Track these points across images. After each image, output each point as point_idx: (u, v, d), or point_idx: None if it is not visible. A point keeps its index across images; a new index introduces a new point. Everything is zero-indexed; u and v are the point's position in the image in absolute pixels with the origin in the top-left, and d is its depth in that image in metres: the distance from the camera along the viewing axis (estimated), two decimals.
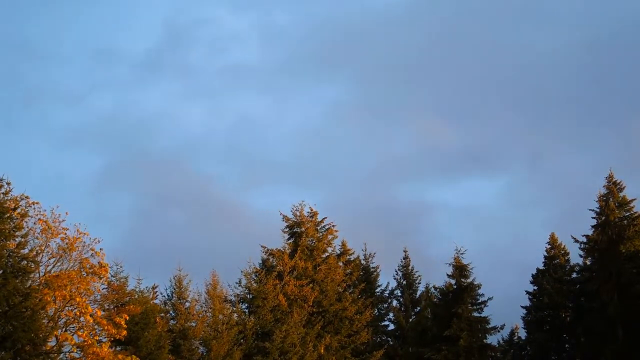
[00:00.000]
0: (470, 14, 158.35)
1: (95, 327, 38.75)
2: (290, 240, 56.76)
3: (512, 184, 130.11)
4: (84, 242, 40.59)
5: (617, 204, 57.31)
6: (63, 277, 38.75)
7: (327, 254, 56.87)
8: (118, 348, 40.83)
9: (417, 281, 63.36)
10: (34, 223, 39.57)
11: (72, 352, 38.39)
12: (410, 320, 60.58)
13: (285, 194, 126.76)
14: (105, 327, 38.52)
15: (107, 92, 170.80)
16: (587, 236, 58.21)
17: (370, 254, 64.46)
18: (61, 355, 38.32)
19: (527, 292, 64.01)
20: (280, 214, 57.08)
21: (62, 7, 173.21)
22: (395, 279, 63.78)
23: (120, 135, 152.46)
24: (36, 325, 35.40)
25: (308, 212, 57.31)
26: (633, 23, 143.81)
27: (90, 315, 38.67)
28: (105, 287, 43.77)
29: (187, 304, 50.07)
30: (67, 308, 39.18)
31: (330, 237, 57.34)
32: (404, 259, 64.27)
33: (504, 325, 55.16)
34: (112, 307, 43.06)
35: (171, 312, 50.06)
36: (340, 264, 57.69)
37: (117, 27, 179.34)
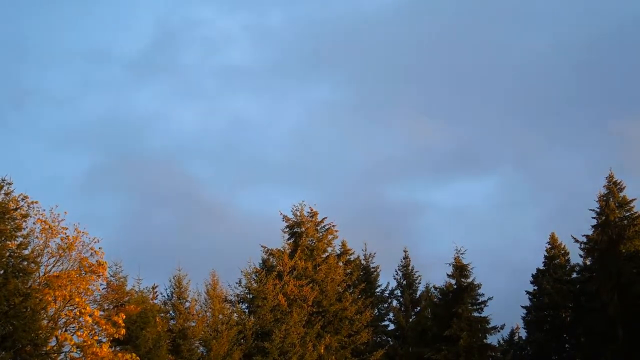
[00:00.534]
0: (461, 16, 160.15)
1: (95, 327, 38.74)
2: (290, 240, 56.79)
3: (502, 185, 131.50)
4: (83, 241, 40.67)
5: (617, 204, 57.34)
6: (63, 277, 38.79)
7: (327, 254, 56.89)
8: (117, 348, 40.83)
9: (417, 281, 63.34)
10: (34, 223, 39.62)
11: (72, 352, 38.40)
12: (410, 320, 60.55)
13: (277, 195, 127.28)
14: (104, 327, 38.52)
15: (99, 93, 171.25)
16: (587, 236, 58.24)
17: (370, 254, 64.53)
18: (61, 356, 38.34)
19: (527, 292, 64.06)
20: (280, 213, 57.20)
21: (55, 9, 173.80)
22: (395, 279, 63.79)
23: (112, 136, 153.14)
24: (36, 326, 35.45)
25: (308, 212, 57.38)
26: (624, 24, 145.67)
27: (90, 315, 38.67)
28: (105, 286, 43.84)
29: (187, 304, 50.11)
30: (67, 308, 39.21)
31: (330, 237, 57.37)
32: (404, 258, 64.28)
33: (504, 325, 55.16)
34: (111, 306, 43.12)
35: (171, 312, 50.09)
36: (340, 264, 57.69)
37: (110, 28, 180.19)
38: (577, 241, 58.69)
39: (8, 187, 38.20)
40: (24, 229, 38.31)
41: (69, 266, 40.23)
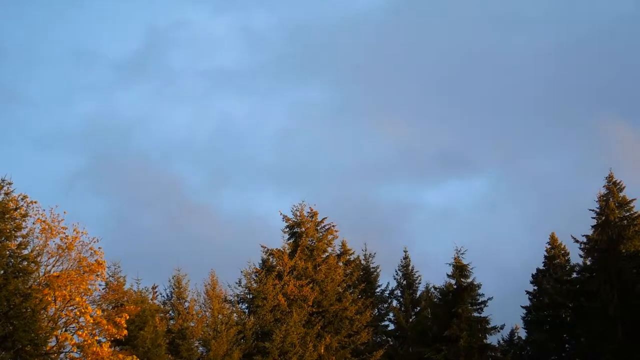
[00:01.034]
0: (446, 19, 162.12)
1: (95, 327, 38.73)
2: (291, 240, 56.80)
3: (488, 186, 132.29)
4: (83, 241, 40.66)
5: (617, 204, 57.31)
6: (63, 277, 38.79)
7: (327, 254, 56.90)
8: (117, 348, 40.84)
9: (417, 281, 63.44)
10: (33, 223, 39.61)
11: (72, 352, 38.39)
12: (410, 320, 60.58)
13: (265, 196, 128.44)
14: (106, 327, 38.52)
15: (86, 94, 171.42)
16: (587, 236, 58.20)
17: (370, 254, 64.57)
18: (61, 355, 38.34)
19: (527, 292, 64.05)
20: (280, 213, 57.25)
21: (43, 10, 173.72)
22: (395, 279, 63.88)
23: (99, 138, 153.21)
24: (37, 326, 35.45)
25: (308, 212, 57.39)
26: (608, 25, 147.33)
27: (91, 315, 38.67)
28: (104, 285, 43.84)
29: (186, 304, 50.13)
30: (67, 308, 39.20)
31: (330, 237, 57.38)
32: (404, 259, 64.32)
33: (504, 325, 55.16)
34: (110, 307, 43.11)
35: (170, 312, 50.12)
36: (340, 264, 57.70)
37: (99, 30, 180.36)
38: (577, 241, 58.68)
39: (8, 187, 38.19)
40: (24, 229, 38.28)
41: (68, 266, 40.24)
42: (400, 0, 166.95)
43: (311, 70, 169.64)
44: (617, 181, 58.03)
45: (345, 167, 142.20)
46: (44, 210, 40.14)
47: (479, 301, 53.96)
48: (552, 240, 65.53)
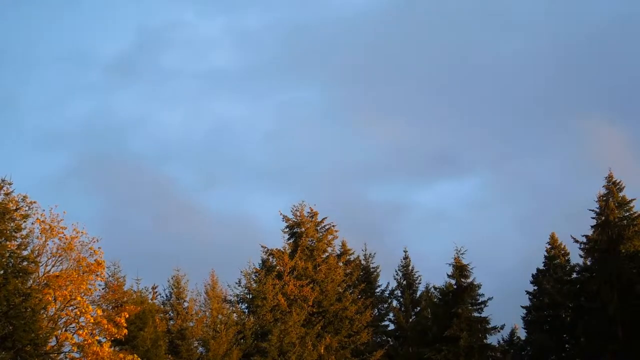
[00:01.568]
0: (438, 20, 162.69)
1: (95, 327, 38.73)
2: (291, 241, 56.83)
3: (480, 186, 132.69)
4: (83, 241, 40.66)
5: (617, 204, 57.32)
6: (63, 277, 38.79)
7: (327, 254, 56.93)
8: (116, 348, 40.84)
9: (417, 281, 63.41)
10: (32, 223, 39.59)
11: (72, 352, 38.39)
12: (411, 320, 60.57)
13: (258, 196, 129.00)
14: (106, 327, 38.53)
15: (80, 95, 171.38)
16: (587, 236, 58.21)
17: (370, 254, 64.57)
18: (61, 355, 38.33)
19: (527, 292, 64.04)
20: (280, 214, 57.29)
21: (36, 11, 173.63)
22: (395, 279, 63.85)
23: (94, 139, 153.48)
24: (37, 326, 35.42)
25: (308, 212, 57.41)
26: (599, 30, 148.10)
27: (91, 315, 38.67)
28: (103, 285, 43.84)
29: (185, 304, 50.13)
30: (67, 308, 39.20)
31: (330, 237, 57.43)
32: (404, 259, 64.31)
33: (504, 325, 55.22)
34: (110, 307, 43.11)
35: (170, 312, 50.12)
36: (340, 264, 57.74)
37: (91, 31, 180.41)
38: (577, 241, 58.69)
39: (8, 187, 38.17)
40: (24, 229, 38.26)
41: (68, 266, 40.24)
42: (392, 1, 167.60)
43: (304, 71, 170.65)
44: (617, 181, 58.07)
45: (337, 167, 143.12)
46: (44, 210, 40.15)
47: (479, 301, 54.01)
48: (552, 241, 65.54)
